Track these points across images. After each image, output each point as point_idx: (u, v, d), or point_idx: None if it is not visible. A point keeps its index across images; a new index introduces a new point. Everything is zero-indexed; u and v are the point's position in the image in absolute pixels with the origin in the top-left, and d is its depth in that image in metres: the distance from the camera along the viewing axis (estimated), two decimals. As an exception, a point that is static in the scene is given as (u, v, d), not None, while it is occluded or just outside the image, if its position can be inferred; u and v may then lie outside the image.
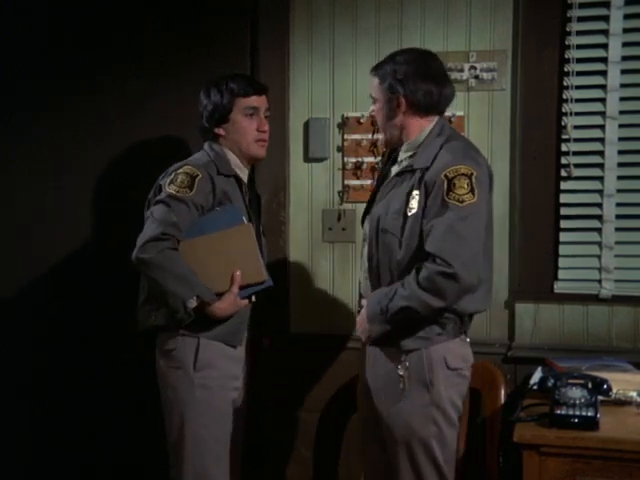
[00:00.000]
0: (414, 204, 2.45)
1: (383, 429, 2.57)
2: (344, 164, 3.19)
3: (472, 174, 2.41)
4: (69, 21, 3.40)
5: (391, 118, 2.55)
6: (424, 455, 2.50)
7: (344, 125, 3.17)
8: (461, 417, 2.57)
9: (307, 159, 3.23)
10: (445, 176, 2.41)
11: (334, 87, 3.18)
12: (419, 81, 2.49)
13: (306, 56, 3.19)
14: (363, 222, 2.69)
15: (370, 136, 3.11)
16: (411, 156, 2.54)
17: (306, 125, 3.22)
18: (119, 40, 3.36)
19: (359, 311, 2.62)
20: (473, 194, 2.40)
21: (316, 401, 3.24)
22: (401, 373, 2.50)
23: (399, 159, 2.61)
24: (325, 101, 3.19)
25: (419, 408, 2.49)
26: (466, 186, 2.40)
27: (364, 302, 2.58)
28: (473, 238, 2.40)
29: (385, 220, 2.50)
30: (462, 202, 2.38)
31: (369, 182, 3.16)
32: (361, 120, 3.13)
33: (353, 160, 3.17)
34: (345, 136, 3.18)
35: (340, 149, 3.19)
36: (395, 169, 2.60)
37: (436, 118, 2.55)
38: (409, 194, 2.46)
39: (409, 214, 2.45)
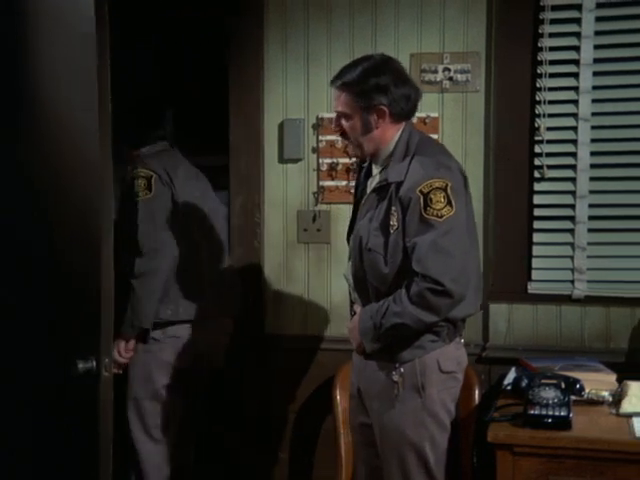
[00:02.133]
0: (394, 221, 2.42)
1: (375, 433, 2.56)
2: (319, 165, 3.19)
3: (447, 186, 2.39)
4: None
5: (369, 131, 2.48)
6: (415, 460, 2.50)
7: (319, 126, 3.17)
8: (453, 420, 2.56)
9: (282, 160, 3.23)
10: (420, 192, 2.38)
11: (309, 88, 3.18)
12: (399, 87, 2.46)
13: (280, 57, 3.18)
14: (348, 239, 2.65)
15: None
16: (384, 168, 2.52)
17: (281, 126, 3.21)
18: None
19: (352, 316, 2.61)
20: (451, 206, 2.38)
21: (292, 402, 3.24)
22: (395, 379, 2.49)
23: (373, 172, 2.59)
24: (300, 102, 3.19)
25: (411, 413, 2.48)
26: (443, 199, 2.38)
27: (357, 308, 2.58)
28: (458, 251, 2.39)
29: (368, 239, 2.47)
30: (441, 217, 2.37)
31: (344, 183, 3.16)
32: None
33: (328, 161, 3.17)
34: (320, 137, 3.18)
35: (315, 150, 3.19)
36: (371, 184, 2.58)
37: (404, 124, 2.52)
38: (388, 210, 2.44)
39: (390, 231, 2.43)
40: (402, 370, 2.47)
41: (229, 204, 3.25)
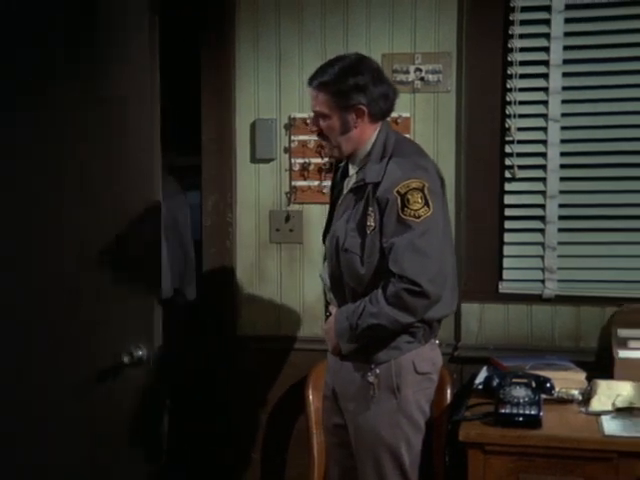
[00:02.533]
0: (371, 221, 2.42)
1: (350, 434, 2.56)
2: (291, 165, 3.18)
3: (424, 186, 2.40)
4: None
5: (347, 131, 2.47)
6: (390, 461, 2.50)
7: (291, 126, 3.17)
8: (428, 420, 2.56)
9: (254, 160, 3.22)
10: (398, 192, 2.38)
11: (280, 88, 3.17)
12: (377, 86, 2.46)
13: (252, 57, 3.17)
14: (324, 240, 2.65)
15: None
16: (361, 168, 2.51)
17: (253, 126, 3.20)
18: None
19: (327, 317, 2.61)
20: (428, 207, 2.39)
21: (264, 403, 3.24)
22: (371, 380, 2.48)
23: (350, 173, 2.58)
24: (272, 102, 3.18)
25: (387, 415, 2.48)
26: (420, 200, 2.38)
27: (332, 309, 2.57)
28: (435, 252, 2.40)
29: (345, 240, 2.47)
30: (419, 217, 2.37)
31: (316, 183, 3.16)
32: (308, 121, 3.13)
33: (300, 161, 3.17)
34: (292, 137, 3.17)
35: (287, 150, 3.19)
36: (347, 184, 2.58)
37: (381, 123, 2.53)
38: (365, 211, 2.44)
39: (367, 232, 2.43)
40: (378, 371, 2.47)
41: (201, 204, 3.24)
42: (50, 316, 2.49)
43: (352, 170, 2.57)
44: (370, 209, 2.42)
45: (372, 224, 2.42)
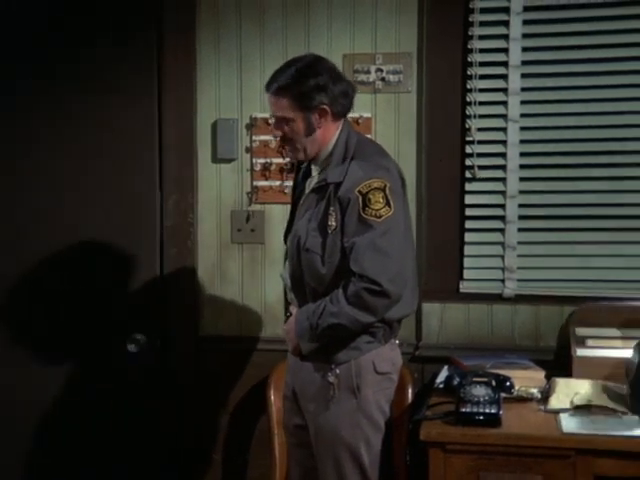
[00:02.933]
0: (332, 221, 2.42)
1: (310, 434, 2.56)
2: (252, 165, 3.17)
3: (385, 186, 2.41)
4: None
5: (312, 132, 2.47)
6: (350, 460, 2.50)
7: (252, 126, 3.16)
8: (388, 420, 2.57)
9: (215, 160, 3.20)
10: (359, 192, 2.39)
11: (242, 88, 3.16)
12: (337, 85, 2.47)
13: (213, 57, 3.16)
14: (285, 239, 2.64)
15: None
16: (324, 169, 2.52)
17: (214, 126, 3.19)
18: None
19: (287, 317, 2.61)
20: (389, 206, 2.39)
21: (226, 403, 3.22)
22: (331, 380, 2.48)
23: (313, 173, 2.59)
24: (233, 102, 3.17)
25: (347, 415, 2.49)
26: (381, 200, 2.39)
27: (292, 309, 2.57)
28: (395, 251, 2.41)
29: (306, 239, 2.47)
30: (380, 217, 2.38)
31: (278, 183, 3.15)
32: (269, 121, 3.12)
33: (262, 161, 3.16)
34: (253, 137, 3.16)
35: (248, 150, 3.18)
36: (309, 184, 2.58)
37: (342, 122, 2.54)
38: (326, 210, 2.44)
39: (329, 231, 2.43)
40: (338, 371, 2.48)
41: (162, 204, 3.21)
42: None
43: (315, 171, 2.58)
44: (331, 209, 2.43)
45: (333, 224, 2.42)
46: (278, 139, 2.63)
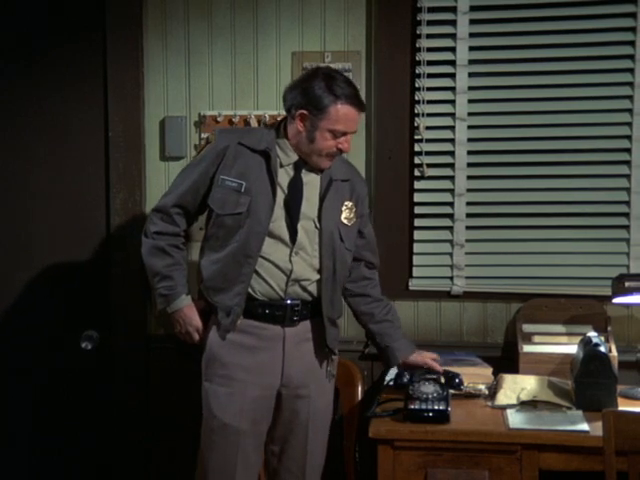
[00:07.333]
0: (352, 215, 2.63)
1: (299, 418, 2.58)
2: (201, 163, 3.14)
3: None
4: None
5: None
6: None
7: (201, 124, 3.13)
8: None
9: (164, 158, 3.18)
10: (366, 185, 2.76)
11: (190, 85, 3.13)
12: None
13: (160, 54, 3.13)
14: (292, 231, 2.55)
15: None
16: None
17: (162, 123, 3.16)
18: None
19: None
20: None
21: (181, 401, 3.19)
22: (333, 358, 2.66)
23: (304, 173, 2.57)
24: (181, 99, 3.14)
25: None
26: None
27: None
28: None
29: (340, 235, 2.58)
30: (371, 211, 2.66)
31: (226, 181, 3.13)
32: (218, 119, 3.10)
33: (210, 159, 3.13)
34: (202, 135, 3.14)
35: (197, 148, 3.15)
36: (314, 182, 2.57)
37: None
38: (349, 207, 2.62)
39: (352, 224, 2.63)
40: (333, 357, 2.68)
41: (108, 202, 3.17)
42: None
43: (307, 170, 2.58)
44: (350, 204, 2.62)
45: (353, 217, 2.63)
46: (332, 151, 2.55)
